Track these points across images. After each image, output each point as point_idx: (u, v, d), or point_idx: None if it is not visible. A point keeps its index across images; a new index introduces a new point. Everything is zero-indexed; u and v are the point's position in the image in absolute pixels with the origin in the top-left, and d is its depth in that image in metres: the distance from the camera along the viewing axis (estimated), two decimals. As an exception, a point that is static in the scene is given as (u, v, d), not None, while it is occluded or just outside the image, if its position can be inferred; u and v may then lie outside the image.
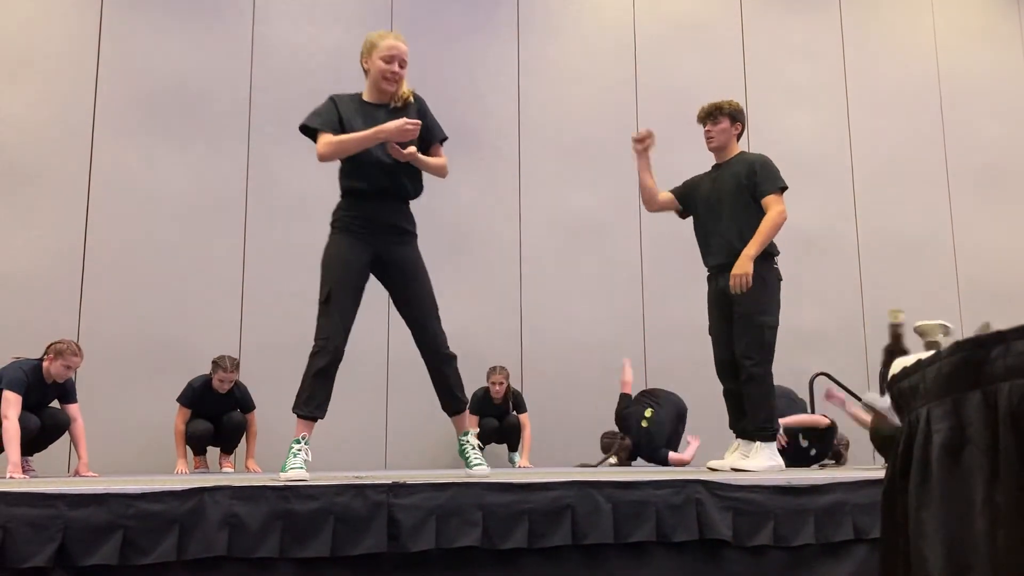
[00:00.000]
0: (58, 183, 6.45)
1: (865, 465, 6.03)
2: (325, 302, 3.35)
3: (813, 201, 8.03)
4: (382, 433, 6.80)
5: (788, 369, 7.57)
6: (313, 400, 3.29)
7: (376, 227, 3.43)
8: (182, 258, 6.58)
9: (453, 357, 3.50)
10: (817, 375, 7.33)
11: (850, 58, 8.40)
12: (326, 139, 3.35)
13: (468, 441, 3.51)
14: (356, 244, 3.41)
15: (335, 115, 3.44)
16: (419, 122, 3.36)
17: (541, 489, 2.72)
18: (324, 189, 7.17)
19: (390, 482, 2.66)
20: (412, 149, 3.38)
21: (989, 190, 8.57)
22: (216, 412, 6.05)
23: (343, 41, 7.22)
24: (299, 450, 3.20)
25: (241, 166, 6.82)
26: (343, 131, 3.40)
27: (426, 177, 3.57)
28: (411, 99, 3.54)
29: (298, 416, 3.30)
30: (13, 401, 5.04)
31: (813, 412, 7.30)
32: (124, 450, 6.14)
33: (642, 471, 4.25)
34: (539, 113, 7.56)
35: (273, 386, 6.29)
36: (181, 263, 6.58)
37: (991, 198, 8.56)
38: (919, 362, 0.82)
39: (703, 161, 4.37)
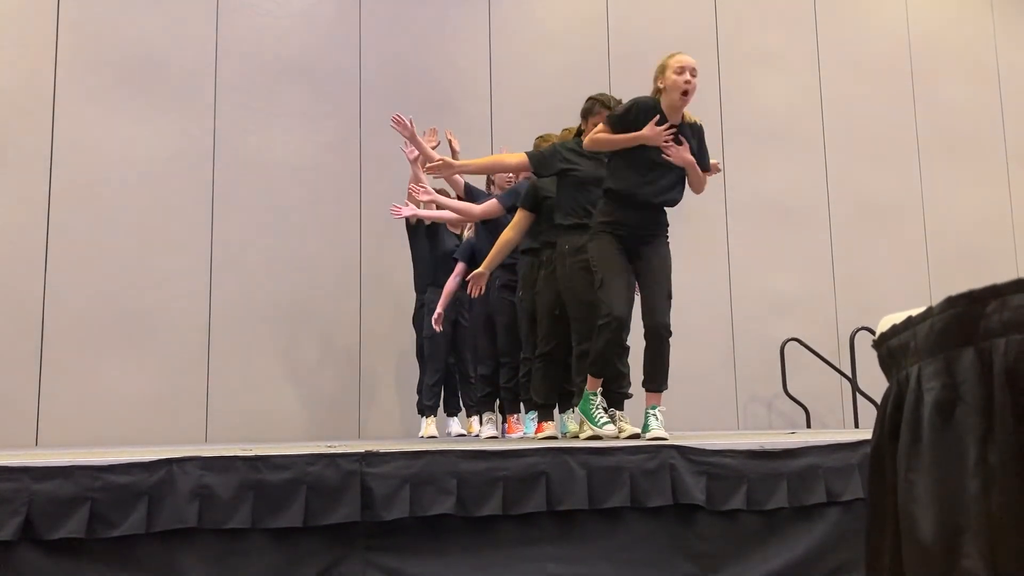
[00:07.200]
0: (20, 151, 6.28)
1: (836, 429, 6.10)
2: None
3: (784, 166, 8.04)
4: (355, 402, 6.76)
5: (760, 335, 7.65)
6: None
7: None
8: (148, 225, 6.45)
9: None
10: (788, 341, 7.39)
11: (822, 23, 8.38)
12: None
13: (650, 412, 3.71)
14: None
15: None
16: None
17: (515, 456, 2.71)
18: (291, 154, 7.07)
19: (363, 451, 2.64)
20: None
21: (958, 155, 8.62)
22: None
23: (311, 5, 7.08)
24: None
25: (208, 131, 6.68)
26: None
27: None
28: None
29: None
30: None
31: (784, 379, 7.36)
32: (91, 421, 6.05)
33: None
34: (511, 78, 7.47)
35: (242, 353, 6.23)
36: (147, 230, 6.45)
37: (960, 163, 8.61)
38: (909, 319, 0.79)
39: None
